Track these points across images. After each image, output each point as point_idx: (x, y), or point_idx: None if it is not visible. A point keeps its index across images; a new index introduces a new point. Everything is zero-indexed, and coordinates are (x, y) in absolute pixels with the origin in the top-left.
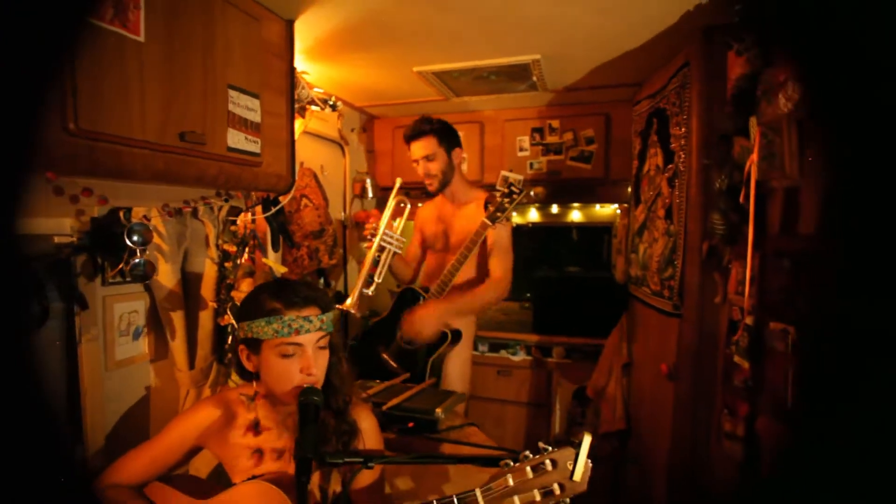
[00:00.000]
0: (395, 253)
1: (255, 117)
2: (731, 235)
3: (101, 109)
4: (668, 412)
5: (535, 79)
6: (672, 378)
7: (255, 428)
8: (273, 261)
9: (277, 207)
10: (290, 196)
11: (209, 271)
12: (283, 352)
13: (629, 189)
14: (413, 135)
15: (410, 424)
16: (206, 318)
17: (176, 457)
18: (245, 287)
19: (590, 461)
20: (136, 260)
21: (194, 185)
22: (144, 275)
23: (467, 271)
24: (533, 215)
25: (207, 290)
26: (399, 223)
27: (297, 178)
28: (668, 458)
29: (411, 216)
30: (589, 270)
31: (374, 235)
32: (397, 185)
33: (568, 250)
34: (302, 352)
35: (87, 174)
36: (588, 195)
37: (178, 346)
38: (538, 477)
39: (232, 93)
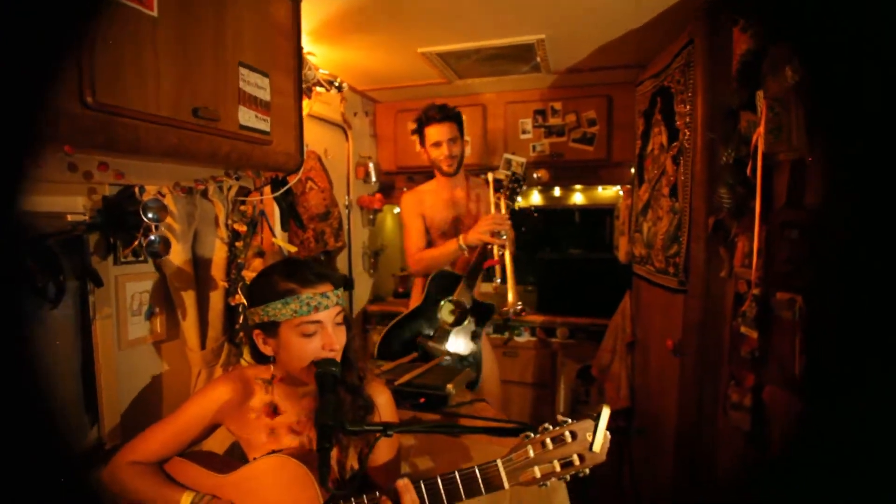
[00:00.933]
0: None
1: (265, 95)
2: (737, 209)
3: (118, 83)
4: (674, 388)
5: (538, 59)
6: (677, 354)
7: (274, 411)
8: (282, 241)
9: (286, 187)
10: (298, 176)
11: (219, 251)
12: (304, 331)
13: (632, 170)
14: (441, 118)
15: (422, 400)
16: (216, 299)
17: (194, 433)
18: (256, 266)
19: (608, 433)
20: (152, 237)
21: (207, 162)
22: (160, 251)
23: None
24: (535, 199)
25: (218, 270)
26: (501, 206)
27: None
28: (674, 431)
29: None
30: (592, 252)
31: (499, 234)
32: (491, 179)
33: (570, 233)
34: (322, 329)
35: (103, 149)
36: (590, 177)
37: (189, 325)
38: (558, 448)
39: (242, 70)
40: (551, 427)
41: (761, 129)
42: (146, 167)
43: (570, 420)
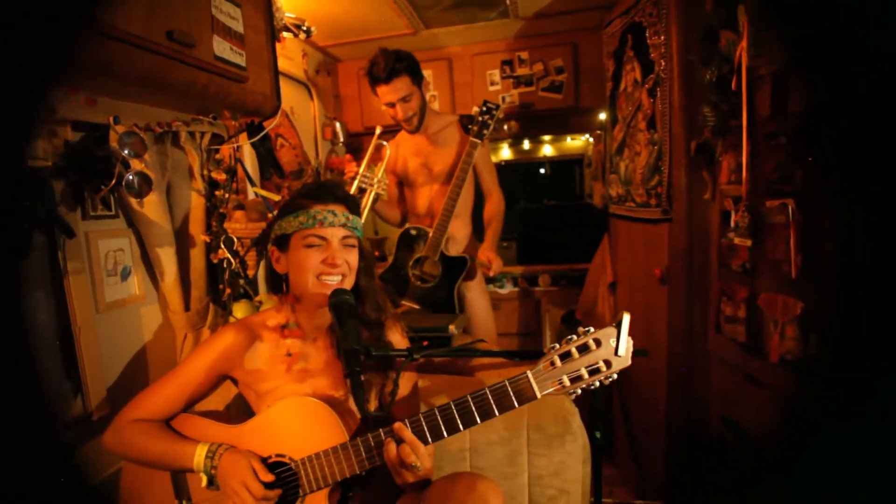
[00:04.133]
0: (377, 195)
1: (239, 27)
2: (722, 127)
3: None
4: (663, 315)
5: (507, 2)
6: (665, 282)
7: (290, 329)
8: (263, 190)
9: (264, 132)
10: (276, 121)
11: (196, 204)
12: (308, 242)
13: (601, 115)
14: (386, 76)
15: (425, 343)
16: (197, 256)
17: (201, 386)
18: (237, 218)
19: (630, 339)
20: (129, 175)
21: (183, 95)
22: (140, 190)
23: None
24: (506, 153)
25: (196, 224)
26: (380, 167)
27: None
28: (666, 354)
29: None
30: (565, 200)
31: (353, 179)
32: (377, 132)
33: (542, 184)
34: (327, 245)
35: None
36: (560, 126)
37: (170, 286)
38: (584, 356)
39: None
40: (575, 337)
41: (744, 43)
42: (112, 108)
43: (591, 329)
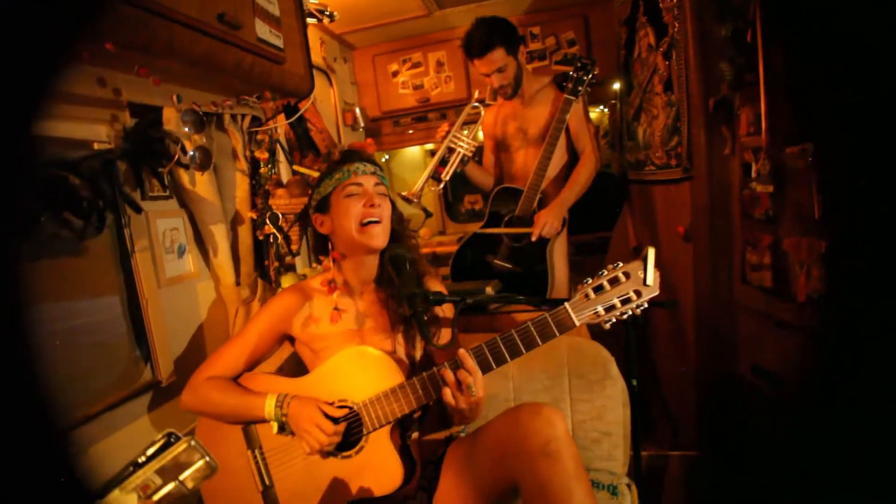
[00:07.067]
0: (466, 157)
1: (275, 10)
2: (739, 81)
3: None
4: (688, 270)
5: None
6: (689, 238)
7: (336, 284)
8: (301, 167)
9: (300, 113)
10: (309, 102)
11: (241, 184)
12: (348, 192)
13: (615, 85)
14: (480, 51)
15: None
16: (244, 233)
17: (265, 346)
18: (280, 194)
19: (658, 270)
20: (191, 151)
21: (231, 75)
22: (203, 163)
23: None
24: None
25: (242, 202)
26: (472, 130)
27: None
28: (693, 306)
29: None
30: None
31: (444, 137)
32: (475, 95)
33: None
34: (363, 190)
35: (141, 49)
36: None
37: (222, 262)
38: (615, 288)
39: None
40: (606, 272)
41: None
42: (159, 91)
43: (620, 263)
